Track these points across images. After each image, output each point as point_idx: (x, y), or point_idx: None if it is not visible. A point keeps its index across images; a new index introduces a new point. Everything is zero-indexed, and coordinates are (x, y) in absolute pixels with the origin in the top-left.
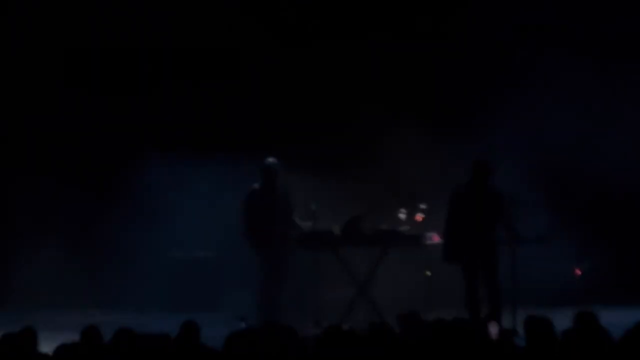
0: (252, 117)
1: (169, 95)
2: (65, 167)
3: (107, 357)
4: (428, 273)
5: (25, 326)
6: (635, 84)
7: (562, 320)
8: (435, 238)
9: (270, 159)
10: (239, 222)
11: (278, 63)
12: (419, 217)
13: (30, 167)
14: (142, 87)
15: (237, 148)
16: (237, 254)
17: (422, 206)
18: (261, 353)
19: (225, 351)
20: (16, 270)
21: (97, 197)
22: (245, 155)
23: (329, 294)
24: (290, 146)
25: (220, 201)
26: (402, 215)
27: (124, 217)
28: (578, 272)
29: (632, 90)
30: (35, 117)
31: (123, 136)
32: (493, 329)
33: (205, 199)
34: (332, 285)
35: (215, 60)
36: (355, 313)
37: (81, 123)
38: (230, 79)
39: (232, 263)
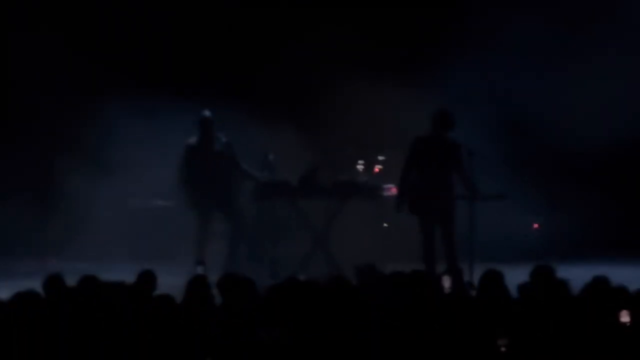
0: (206, 63)
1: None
2: (23, 115)
3: (71, 303)
4: (385, 225)
5: None
6: (599, 40)
7: (520, 275)
8: (393, 190)
9: (206, 112)
10: (177, 177)
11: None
12: (377, 168)
13: None
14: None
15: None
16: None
17: (380, 157)
18: (220, 302)
19: (185, 298)
20: None
21: (55, 146)
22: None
23: (286, 246)
24: (245, 95)
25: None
26: (360, 167)
27: (84, 167)
28: (536, 226)
29: (596, 47)
30: None
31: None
32: (447, 283)
33: (163, 147)
34: (289, 237)
35: None
36: (312, 265)
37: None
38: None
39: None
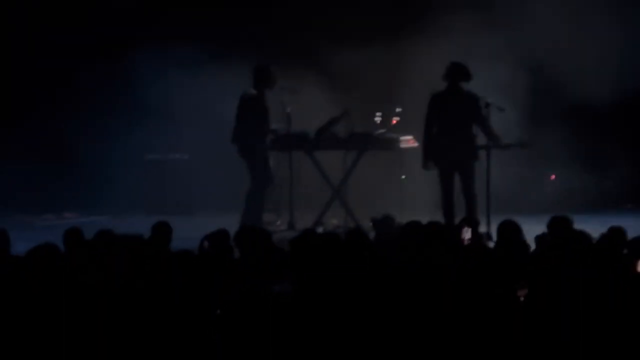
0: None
1: None
2: (38, 64)
3: (89, 256)
4: (403, 177)
5: None
6: None
7: (538, 225)
8: (410, 141)
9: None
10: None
11: None
12: (394, 120)
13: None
14: None
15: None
16: (210, 155)
17: (398, 109)
18: (236, 254)
19: (199, 251)
20: None
21: (71, 100)
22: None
23: (304, 197)
24: (263, 50)
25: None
26: (378, 118)
27: (99, 121)
28: (553, 177)
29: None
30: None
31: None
32: (467, 234)
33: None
34: (307, 187)
35: None
36: (329, 216)
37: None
38: None
39: (205, 165)
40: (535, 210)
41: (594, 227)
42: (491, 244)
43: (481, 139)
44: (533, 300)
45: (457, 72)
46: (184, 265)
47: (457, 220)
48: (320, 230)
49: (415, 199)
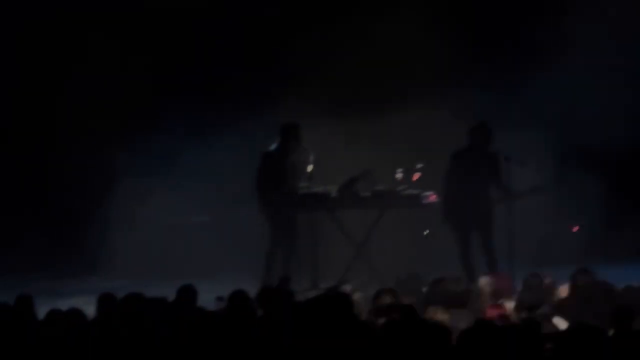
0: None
1: None
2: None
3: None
4: (426, 232)
5: (21, 294)
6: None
7: (561, 277)
8: (432, 197)
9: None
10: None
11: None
12: (416, 176)
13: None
14: None
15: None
16: (233, 216)
17: (419, 165)
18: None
19: (226, 311)
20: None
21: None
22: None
23: (326, 256)
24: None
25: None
26: (399, 175)
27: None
28: (575, 229)
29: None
30: None
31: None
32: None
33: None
34: (329, 247)
35: None
36: (353, 275)
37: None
38: None
39: (228, 226)
40: (559, 260)
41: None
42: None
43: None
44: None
45: (480, 134)
46: (209, 326)
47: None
48: (348, 289)
49: (440, 255)
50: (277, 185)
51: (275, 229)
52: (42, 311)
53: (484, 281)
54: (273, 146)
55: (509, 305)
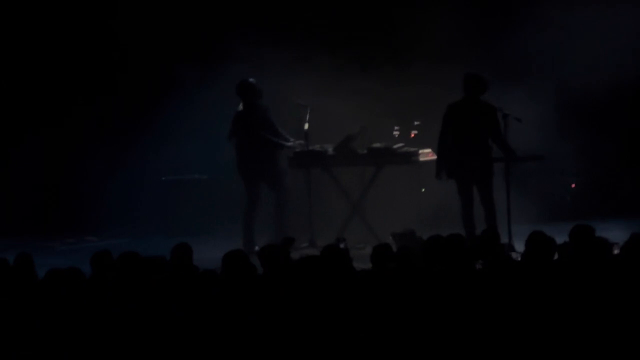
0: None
1: None
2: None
3: (115, 279)
4: (423, 190)
5: (21, 251)
6: None
7: (559, 235)
8: (429, 154)
9: (250, 79)
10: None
11: None
12: (413, 133)
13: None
14: None
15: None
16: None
17: (416, 122)
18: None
19: (222, 271)
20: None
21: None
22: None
23: (323, 214)
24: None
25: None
26: (396, 132)
27: (116, 142)
28: (574, 186)
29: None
30: None
31: None
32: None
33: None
34: (325, 205)
35: None
36: (350, 232)
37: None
38: None
39: (224, 185)
40: (556, 219)
41: (616, 234)
42: (514, 256)
43: (496, 152)
44: (556, 311)
45: (474, 83)
46: (208, 284)
47: (478, 231)
48: (342, 246)
49: (436, 212)
50: (251, 142)
51: (252, 186)
52: (41, 271)
53: None
54: (240, 106)
55: None
